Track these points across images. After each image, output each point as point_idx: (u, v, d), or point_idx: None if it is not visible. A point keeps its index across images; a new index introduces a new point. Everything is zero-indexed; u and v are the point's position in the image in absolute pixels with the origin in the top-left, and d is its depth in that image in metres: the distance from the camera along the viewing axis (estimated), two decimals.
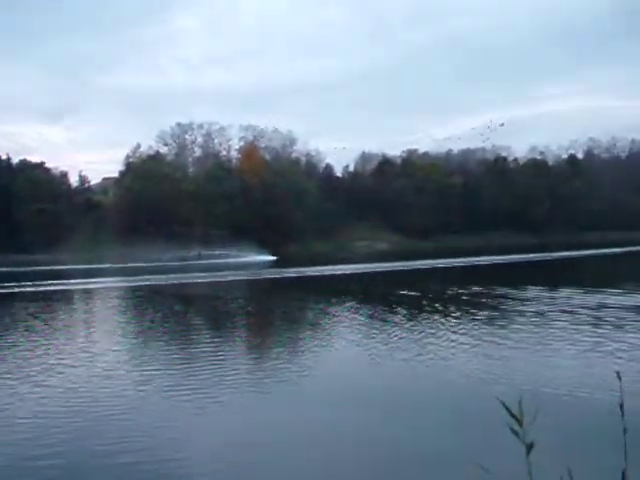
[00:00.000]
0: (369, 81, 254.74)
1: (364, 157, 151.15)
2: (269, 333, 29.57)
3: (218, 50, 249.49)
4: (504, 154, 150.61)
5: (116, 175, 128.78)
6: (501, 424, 3.02)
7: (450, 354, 21.13)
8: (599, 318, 27.26)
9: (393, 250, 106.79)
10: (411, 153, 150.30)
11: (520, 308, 31.60)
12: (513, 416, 2.72)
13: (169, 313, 35.46)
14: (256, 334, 29.73)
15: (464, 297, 37.25)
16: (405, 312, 32.14)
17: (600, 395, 14.70)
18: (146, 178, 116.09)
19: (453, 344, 22.79)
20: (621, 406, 3.76)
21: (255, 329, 31.57)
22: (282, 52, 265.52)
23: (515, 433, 2.70)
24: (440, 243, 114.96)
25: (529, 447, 2.75)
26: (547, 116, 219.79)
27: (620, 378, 3.84)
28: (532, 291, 38.15)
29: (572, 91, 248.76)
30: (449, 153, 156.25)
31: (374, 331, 26.58)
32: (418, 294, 40.26)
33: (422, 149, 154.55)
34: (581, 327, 25.18)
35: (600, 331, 24.16)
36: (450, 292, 40.49)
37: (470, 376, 17.78)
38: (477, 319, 28.63)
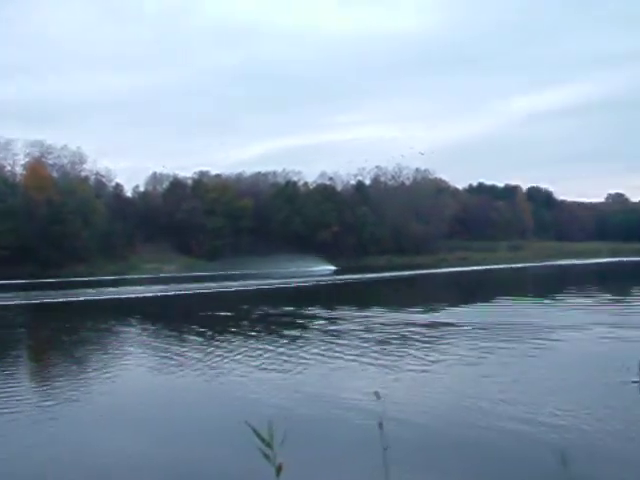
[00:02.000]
0: (164, 101, 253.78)
1: (155, 178, 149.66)
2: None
3: (5, 62, 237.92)
4: (295, 179, 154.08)
5: None
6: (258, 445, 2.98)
7: (239, 374, 21.06)
8: (389, 336, 28.12)
9: (182, 272, 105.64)
10: (203, 175, 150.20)
11: (319, 327, 32.11)
12: (262, 439, 2.69)
13: None
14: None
15: (252, 318, 37.51)
16: (207, 333, 31.92)
17: (366, 414, 14.82)
18: None
19: (242, 364, 22.76)
20: (380, 425, 3.83)
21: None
22: (73, 67, 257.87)
23: (266, 456, 2.68)
24: (230, 265, 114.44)
25: (278, 469, 2.73)
26: (338, 144, 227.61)
27: (379, 397, 3.91)
28: (325, 312, 38.92)
29: (363, 121, 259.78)
30: (241, 176, 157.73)
31: (168, 352, 26.21)
32: (225, 314, 40.75)
33: (214, 171, 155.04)
34: (367, 345, 25.81)
35: (384, 348, 24.93)
36: (238, 314, 40.58)
37: (245, 396, 17.71)
38: (266, 338, 28.89)
